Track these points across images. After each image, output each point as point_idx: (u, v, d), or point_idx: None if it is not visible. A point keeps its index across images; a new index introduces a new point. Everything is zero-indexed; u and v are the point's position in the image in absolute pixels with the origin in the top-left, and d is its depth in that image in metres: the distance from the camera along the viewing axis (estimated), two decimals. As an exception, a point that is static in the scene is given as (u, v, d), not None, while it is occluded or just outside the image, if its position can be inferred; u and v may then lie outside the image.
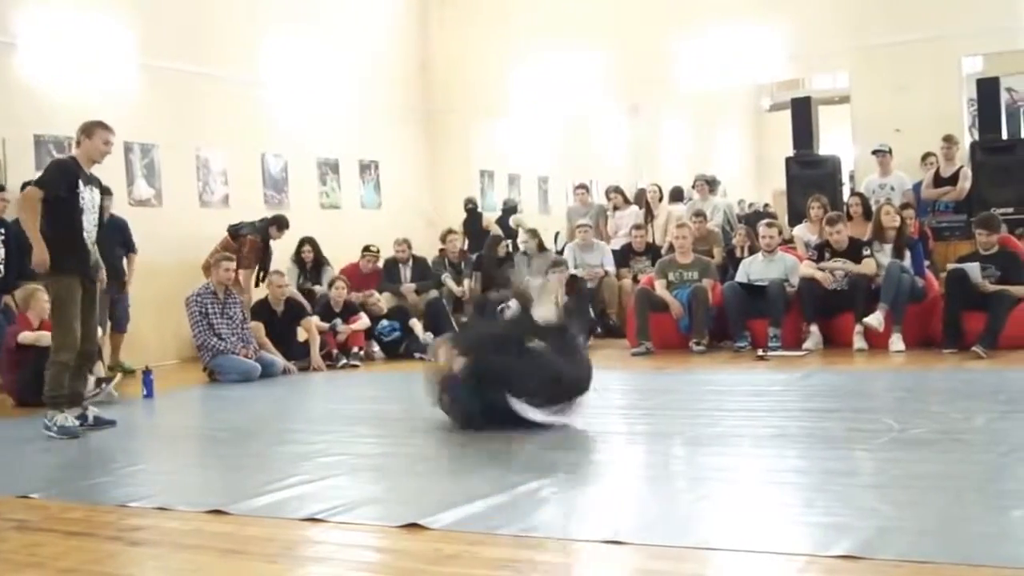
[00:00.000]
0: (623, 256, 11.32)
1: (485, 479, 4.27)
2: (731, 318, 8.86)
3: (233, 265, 9.16)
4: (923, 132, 10.96)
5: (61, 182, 6.11)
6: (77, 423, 6.10)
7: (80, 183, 6.16)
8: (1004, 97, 11.95)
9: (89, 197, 6.24)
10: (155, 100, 10.68)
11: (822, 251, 8.78)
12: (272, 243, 10.58)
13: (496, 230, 12.61)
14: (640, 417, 6.14)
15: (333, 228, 12.13)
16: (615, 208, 12.45)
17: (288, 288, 9.68)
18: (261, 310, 9.45)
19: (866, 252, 8.57)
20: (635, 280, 10.63)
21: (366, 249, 11.23)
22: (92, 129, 6.31)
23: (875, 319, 8.17)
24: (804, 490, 3.91)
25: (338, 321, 9.64)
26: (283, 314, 9.48)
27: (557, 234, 13.64)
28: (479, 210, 13.53)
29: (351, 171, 13.37)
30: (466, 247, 12.07)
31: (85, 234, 6.20)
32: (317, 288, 10.59)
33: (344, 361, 9.39)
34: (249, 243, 10.33)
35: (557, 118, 14.84)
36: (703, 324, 8.94)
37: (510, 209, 13.99)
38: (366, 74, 13.50)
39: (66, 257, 6.06)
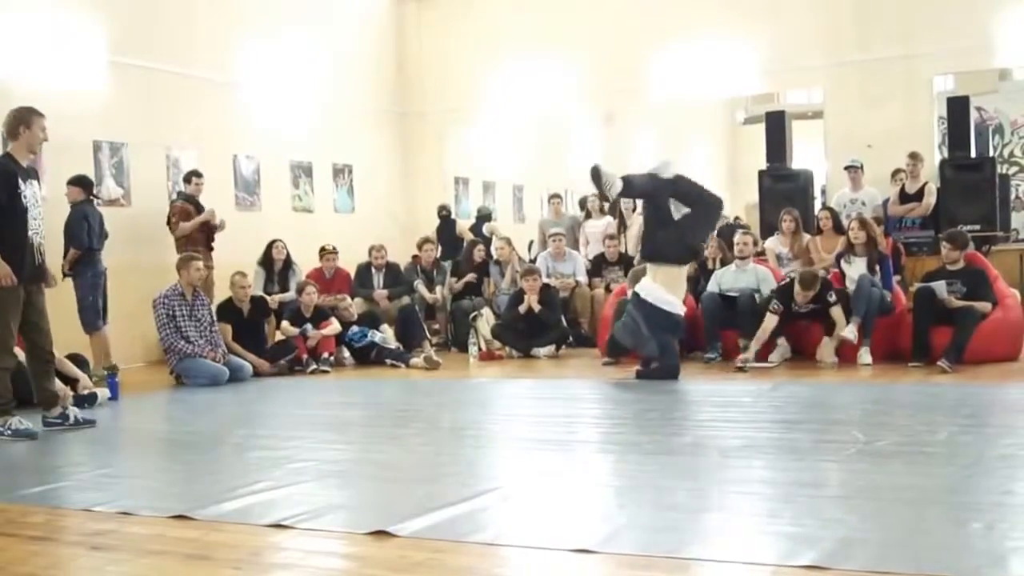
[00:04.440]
0: (596, 266, 11.34)
1: (453, 486, 4.26)
2: (707, 328, 8.87)
3: (202, 264, 9.10)
4: (894, 148, 11.07)
5: (1, 192, 5.90)
6: (29, 425, 6.01)
7: (20, 182, 5.97)
8: (974, 116, 12.08)
9: (31, 194, 6.06)
10: (125, 98, 10.60)
11: (787, 296, 8.67)
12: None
13: (470, 237, 12.61)
14: (609, 426, 6.16)
15: (305, 232, 12.07)
16: (588, 217, 12.47)
17: (249, 290, 9.62)
18: (227, 311, 9.39)
19: (831, 298, 8.38)
20: (607, 290, 10.64)
21: (323, 251, 11.17)
22: (30, 118, 6.05)
23: (850, 332, 8.22)
24: (770, 500, 3.94)
25: (308, 326, 9.60)
26: (249, 313, 9.44)
27: (531, 243, 13.65)
28: (453, 217, 13.52)
29: (325, 174, 13.33)
30: (439, 254, 12.05)
31: (31, 233, 6.05)
32: (285, 296, 10.49)
33: (314, 367, 9.35)
34: (178, 209, 10.31)
35: (532, 125, 14.85)
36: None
37: (484, 217, 13.99)
38: (341, 76, 13.48)
39: (13, 265, 5.89)
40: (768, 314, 8.41)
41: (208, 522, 3.83)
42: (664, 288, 7.77)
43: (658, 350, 7.77)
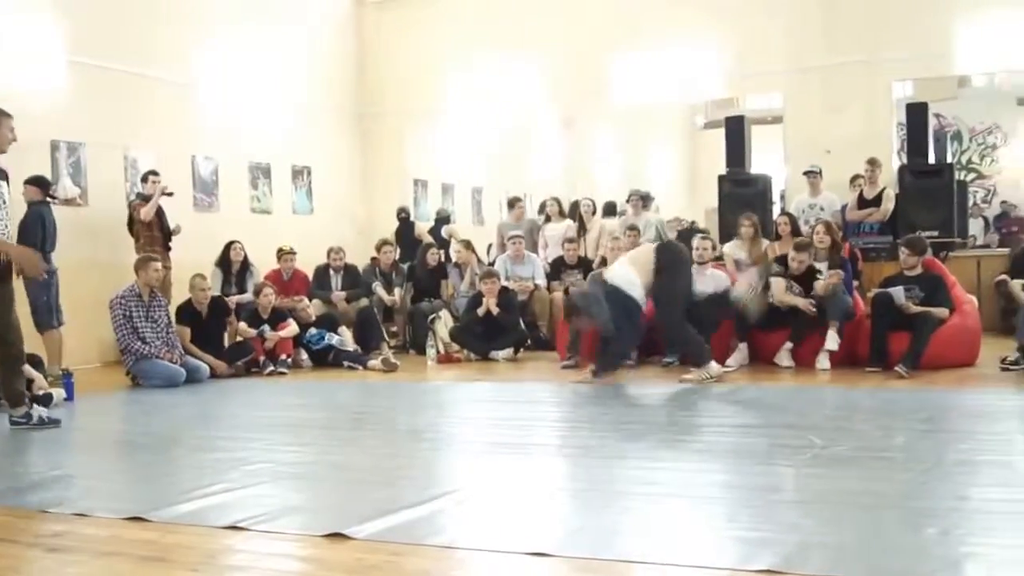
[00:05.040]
0: (554, 269, 11.36)
1: (410, 489, 4.24)
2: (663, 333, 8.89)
3: (160, 265, 9.01)
4: (853, 154, 11.16)
5: None
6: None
7: None
8: (932, 122, 12.23)
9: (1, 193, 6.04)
10: (83, 98, 10.49)
11: (783, 266, 8.79)
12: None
13: (429, 239, 12.58)
14: (567, 430, 6.16)
15: (263, 233, 11.97)
16: (547, 220, 12.49)
17: (209, 292, 9.54)
18: (186, 314, 9.31)
19: (819, 277, 8.62)
20: (566, 293, 10.65)
21: (281, 252, 11.08)
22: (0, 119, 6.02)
23: (833, 341, 8.26)
24: (728, 505, 3.95)
25: (266, 328, 9.53)
26: (208, 316, 9.36)
27: (490, 246, 13.64)
28: (412, 219, 13.48)
29: (283, 176, 13.24)
30: (398, 256, 12.00)
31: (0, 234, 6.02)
32: (242, 297, 10.41)
33: (271, 368, 9.28)
34: (136, 207, 10.21)
35: (492, 128, 14.86)
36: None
37: (443, 219, 13.97)
38: (301, 77, 13.41)
39: None
40: (774, 279, 8.55)
41: (164, 524, 3.79)
42: (631, 271, 7.83)
43: (613, 326, 7.80)
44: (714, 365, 7.77)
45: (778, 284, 8.65)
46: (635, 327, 8.05)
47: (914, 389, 7.09)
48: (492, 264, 11.54)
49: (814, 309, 8.38)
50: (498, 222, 13.55)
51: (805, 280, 8.64)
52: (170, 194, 10.35)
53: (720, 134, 12.35)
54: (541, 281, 11.10)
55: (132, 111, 10.99)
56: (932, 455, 4.75)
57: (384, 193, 14.36)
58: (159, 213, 10.29)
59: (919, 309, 8.04)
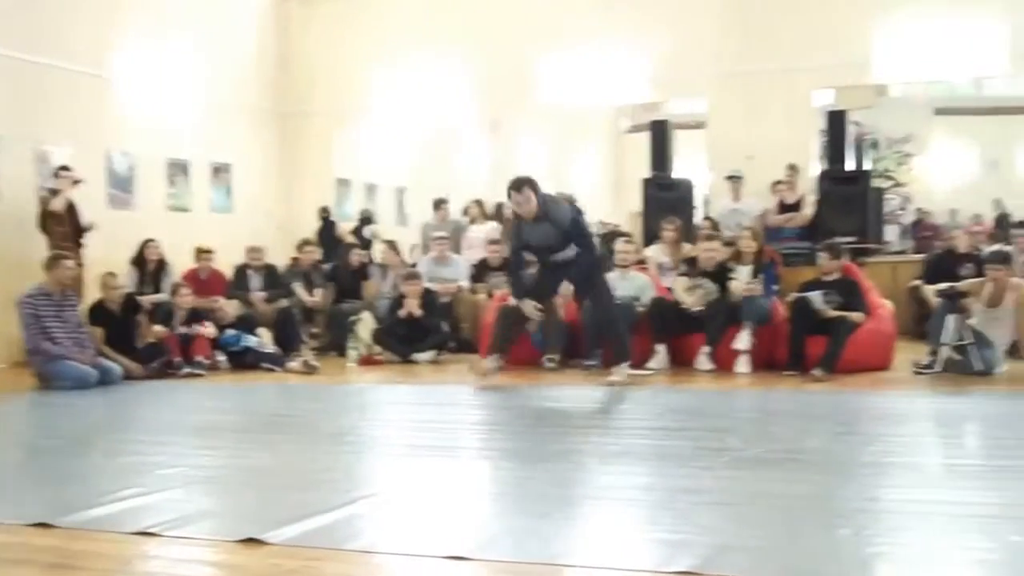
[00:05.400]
0: (478, 271, 11.34)
1: (328, 493, 4.19)
2: (586, 335, 8.92)
3: (72, 263, 8.79)
4: (775, 160, 11.31)
5: None
6: None
7: None
8: (851, 130, 12.48)
9: None
10: (-5, 90, 10.21)
11: (691, 266, 8.89)
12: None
13: (351, 240, 12.48)
14: (488, 432, 6.15)
15: (181, 232, 11.72)
16: (472, 222, 12.47)
17: (121, 291, 9.34)
18: (99, 313, 9.09)
19: (731, 276, 8.75)
20: (490, 295, 10.63)
21: (198, 251, 10.90)
22: None
23: (743, 341, 8.36)
24: (648, 507, 3.97)
25: (182, 328, 9.35)
26: (122, 315, 9.16)
27: (413, 247, 13.58)
28: (334, 219, 13.36)
29: (202, 173, 13.01)
30: (319, 257, 11.87)
31: None
32: (158, 297, 10.21)
33: (187, 370, 9.10)
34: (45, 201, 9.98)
35: (417, 128, 14.79)
36: (556, 340, 9.00)
37: (366, 219, 13.88)
38: (222, 73, 13.17)
39: None
40: (676, 278, 8.78)
41: (72, 530, 3.70)
42: None
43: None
44: (626, 367, 7.83)
45: (677, 284, 8.77)
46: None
47: (830, 392, 7.21)
48: (415, 265, 11.48)
49: (698, 308, 8.56)
50: (422, 223, 13.49)
51: (715, 277, 8.74)
52: (79, 181, 10.08)
53: (645, 138, 12.47)
54: (465, 283, 11.07)
55: (46, 104, 10.69)
56: (846, 457, 4.86)
57: (306, 192, 14.20)
58: (71, 210, 10.04)
59: (836, 313, 8.17)
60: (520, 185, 7.51)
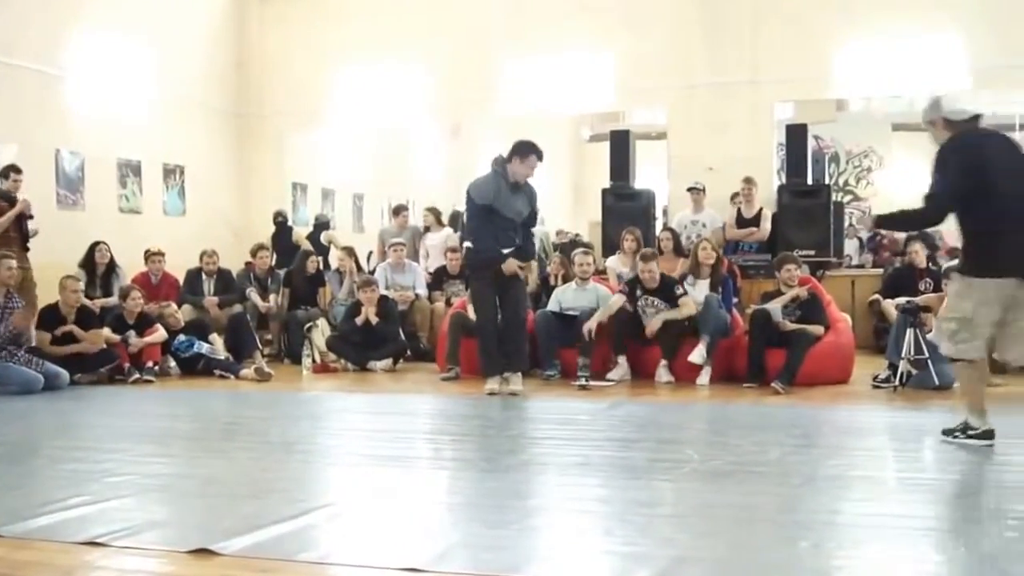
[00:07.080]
0: (436, 279, 11.27)
1: (281, 503, 4.11)
2: (542, 346, 8.88)
3: (14, 264, 8.59)
4: (735, 172, 11.35)
5: None
6: None
7: None
8: (811, 144, 12.56)
9: None
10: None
11: (634, 287, 8.87)
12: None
13: (307, 245, 12.36)
14: (445, 443, 6.08)
15: (132, 234, 11.54)
16: (427, 229, 12.40)
17: (81, 294, 9.17)
18: (50, 318, 8.92)
19: (679, 290, 8.72)
20: (448, 303, 10.57)
21: (148, 253, 10.71)
22: None
23: (699, 355, 8.34)
24: (605, 519, 3.94)
25: (131, 333, 9.19)
26: (75, 322, 8.97)
27: (371, 253, 13.49)
28: (289, 224, 13.23)
29: (154, 174, 12.80)
30: (274, 262, 11.75)
31: None
32: (108, 301, 10.04)
33: (137, 376, 8.94)
34: None
35: (376, 133, 14.68)
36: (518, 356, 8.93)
37: (322, 225, 13.76)
38: (176, 73, 12.95)
39: None
40: (617, 295, 8.69)
41: (16, 539, 3.61)
42: None
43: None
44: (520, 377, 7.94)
45: (617, 301, 8.76)
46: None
47: (789, 405, 7.23)
48: (372, 272, 11.39)
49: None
50: (380, 229, 13.39)
51: (661, 292, 8.72)
52: (30, 217, 9.80)
53: (605, 147, 12.47)
54: (422, 291, 11.00)
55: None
56: (805, 470, 4.84)
57: (261, 196, 14.04)
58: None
59: (795, 326, 8.21)
60: (540, 153, 7.84)
